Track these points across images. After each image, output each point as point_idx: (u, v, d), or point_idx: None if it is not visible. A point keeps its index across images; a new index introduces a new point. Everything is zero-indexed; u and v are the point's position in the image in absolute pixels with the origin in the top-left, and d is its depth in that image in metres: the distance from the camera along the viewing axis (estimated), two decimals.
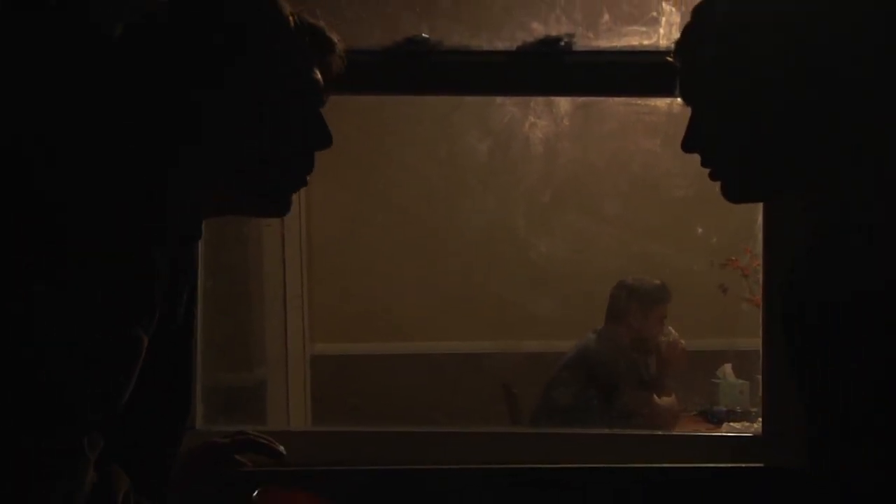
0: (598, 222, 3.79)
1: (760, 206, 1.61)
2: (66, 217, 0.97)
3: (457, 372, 3.71)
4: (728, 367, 3.36)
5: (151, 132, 1.05)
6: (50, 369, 0.94)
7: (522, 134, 3.02)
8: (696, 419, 3.24)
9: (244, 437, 1.43)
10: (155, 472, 1.14)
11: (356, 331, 4.00)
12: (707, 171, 1.21)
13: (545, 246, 3.77)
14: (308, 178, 1.19)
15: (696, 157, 1.20)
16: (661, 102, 2.12)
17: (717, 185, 1.21)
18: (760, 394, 1.67)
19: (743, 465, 1.61)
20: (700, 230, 3.47)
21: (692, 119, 1.21)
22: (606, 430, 1.87)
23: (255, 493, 1.28)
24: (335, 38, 1.18)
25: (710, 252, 3.39)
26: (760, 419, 1.67)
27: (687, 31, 1.20)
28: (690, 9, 1.19)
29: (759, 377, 1.67)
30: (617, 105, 3.03)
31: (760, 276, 1.69)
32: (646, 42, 1.71)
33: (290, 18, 1.13)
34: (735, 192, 1.20)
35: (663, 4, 1.72)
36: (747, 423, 2.55)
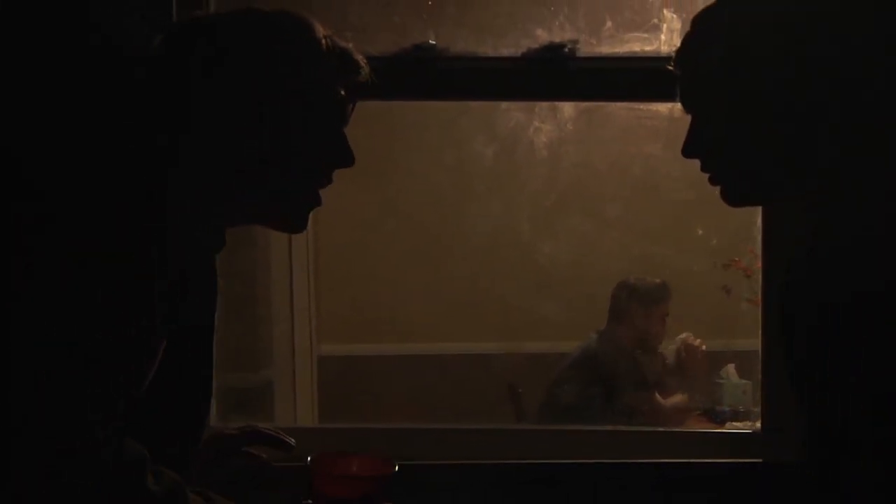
0: (601, 225, 3.78)
1: (760, 207, 1.62)
2: (66, 217, 0.97)
3: (463, 373, 3.69)
4: (731, 368, 3.33)
5: (153, 133, 1.06)
6: (64, 369, 0.94)
7: (527, 138, 3.02)
8: (700, 419, 3.20)
9: (253, 430, 1.42)
10: (176, 468, 1.11)
11: (363, 333, 3.99)
12: (707, 175, 1.22)
13: (549, 248, 3.75)
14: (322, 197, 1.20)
15: (697, 161, 1.20)
16: (662, 107, 2.13)
17: (716, 189, 1.22)
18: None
19: (742, 460, 1.61)
20: (700, 232, 3.46)
21: (692, 125, 1.21)
22: (609, 427, 1.87)
23: (309, 458, 1.26)
24: (362, 60, 1.19)
25: (710, 253, 3.37)
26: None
27: (687, 40, 1.21)
28: (691, 16, 1.20)
29: None
30: (619, 110, 3.02)
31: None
32: (647, 48, 1.72)
33: (324, 42, 1.15)
34: (735, 197, 1.21)
35: (664, 12, 1.74)
36: (750, 423, 2.55)
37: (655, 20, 1.74)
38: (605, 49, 1.72)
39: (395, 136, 3.71)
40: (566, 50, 1.64)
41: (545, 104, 2.51)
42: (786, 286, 1.18)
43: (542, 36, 1.69)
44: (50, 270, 0.96)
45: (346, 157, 1.19)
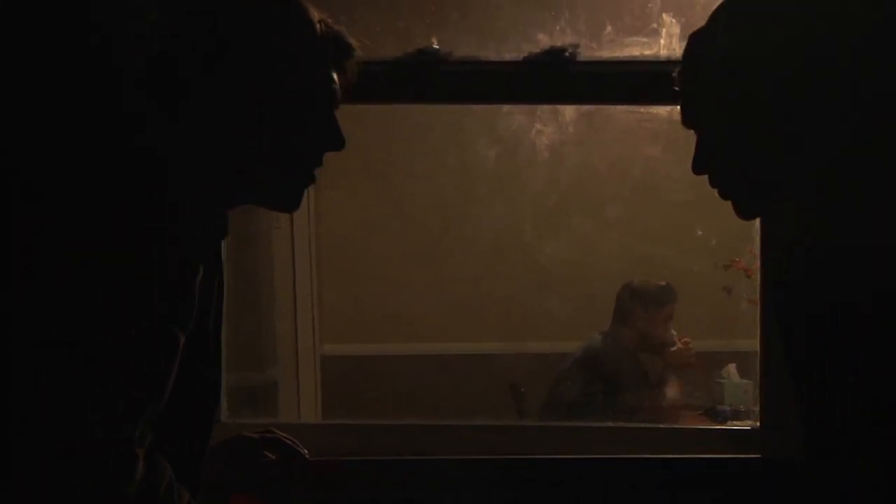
0: (601, 226, 3.79)
1: None
2: (65, 216, 0.98)
3: (465, 373, 3.68)
4: (732, 367, 3.34)
5: (152, 133, 1.06)
6: (64, 369, 0.95)
7: (529, 141, 3.02)
8: (701, 418, 3.21)
9: (273, 436, 1.47)
10: (188, 463, 1.14)
11: (366, 332, 3.99)
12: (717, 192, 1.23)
13: (551, 249, 3.75)
14: (316, 174, 1.21)
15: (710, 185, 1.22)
16: (662, 110, 2.12)
17: (716, 190, 1.24)
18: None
19: (741, 456, 1.62)
20: (700, 232, 3.47)
21: (698, 142, 1.23)
22: (610, 424, 1.89)
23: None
24: (354, 43, 1.20)
25: (709, 253, 3.37)
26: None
27: (686, 59, 1.23)
28: (690, 20, 1.22)
29: None
30: (619, 113, 3.00)
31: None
32: (647, 52, 1.72)
33: (318, 25, 1.15)
34: (746, 211, 1.24)
35: (664, 16, 1.74)
36: (750, 422, 2.56)
37: (655, 25, 1.74)
38: (606, 53, 1.73)
39: (399, 138, 3.72)
40: (567, 54, 1.65)
41: (546, 107, 2.51)
42: (784, 286, 1.18)
43: (544, 40, 1.70)
44: (50, 270, 0.96)
45: (337, 141, 1.20)
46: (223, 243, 1.25)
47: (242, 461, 1.42)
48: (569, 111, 2.66)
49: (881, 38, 1.12)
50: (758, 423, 1.67)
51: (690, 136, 1.26)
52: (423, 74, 1.67)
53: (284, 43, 1.14)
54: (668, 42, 1.72)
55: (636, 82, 1.66)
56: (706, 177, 1.23)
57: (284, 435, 1.49)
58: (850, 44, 1.11)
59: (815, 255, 1.11)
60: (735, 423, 2.96)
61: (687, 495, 1.59)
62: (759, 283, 1.68)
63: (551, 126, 2.78)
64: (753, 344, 1.68)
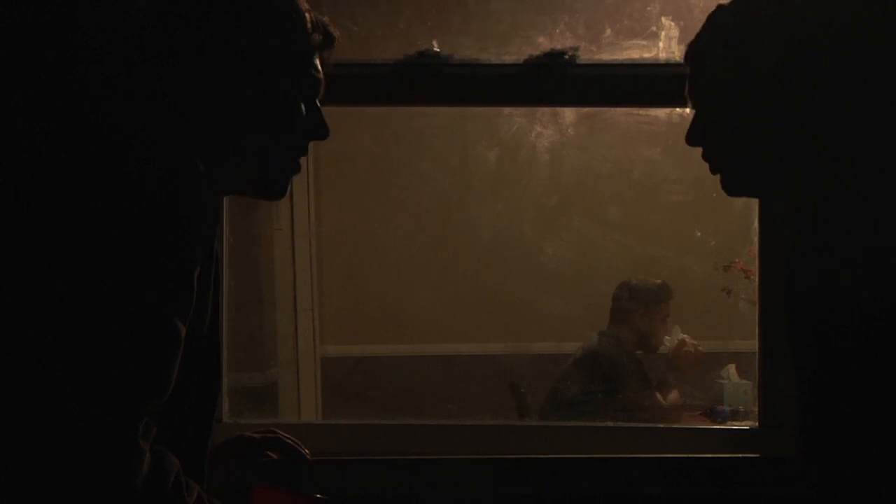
0: (602, 227, 3.79)
1: (757, 209, 1.62)
2: (62, 215, 0.98)
3: (465, 372, 3.68)
4: (732, 368, 3.33)
5: (153, 129, 1.06)
6: (96, 358, 0.95)
7: (529, 143, 3.03)
8: (701, 418, 3.20)
9: (275, 437, 1.49)
10: (191, 457, 1.14)
11: (366, 332, 3.99)
12: (706, 167, 1.24)
13: (552, 250, 3.75)
14: (301, 163, 1.21)
15: (694, 165, 1.24)
16: (661, 112, 2.13)
17: (714, 190, 1.26)
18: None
19: (741, 456, 1.62)
20: (699, 233, 3.48)
21: (696, 116, 1.25)
22: (610, 424, 1.87)
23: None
24: (336, 33, 1.21)
25: (709, 254, 3.37)
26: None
27: (698, 36, 1.25)
28: (689, 24, 1.23)
29: None
30: (619, 115, 3.02)
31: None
32: (646, 55, 1.73)
33: (308, 16, 1.16)
34: (732, 186, 1.24)
35: (663, 20, 1.75)
36: (750, 423, 2.56)
37: (654, 28, 1.75)
38: (605, 56, 1.73)
39: (400, 140, 3.71)
40: (567, 57, 1.66)
41: (547, 109, 2.52)
42: (783, 287, 1.19)
43: (544, 43, 1.70)
44: (50, 265, 0.97)
45: (322, 130, 1.21)
46: (221, 242, 1.26)
47: (244, 460, 1.43)
48: (569, 113, 2.67)
49: (884, 34, 1.13)
50: (757, 424, 1.68)
51: None
52: (424, 77, 1.68)
53: (277, 31, 1.15)
54: (667, 45, 1.72)
55: (635, 85, 1.66)
56: (706, 178, 1.25)
57: (286, 435, 1.51)
58: (858, 36, 1.13)
59: (814, 256, 1.12)
60: (734, 423, 2.96)
61: (687, 495, 1.60)
62: (758, 283, 1.69)
63: (552, 128, 2.79)
64: (753, 344, 1.69)
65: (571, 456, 1.63)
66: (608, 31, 1.78)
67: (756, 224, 1.65)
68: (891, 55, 1.12)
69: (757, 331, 1.67)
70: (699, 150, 1.26)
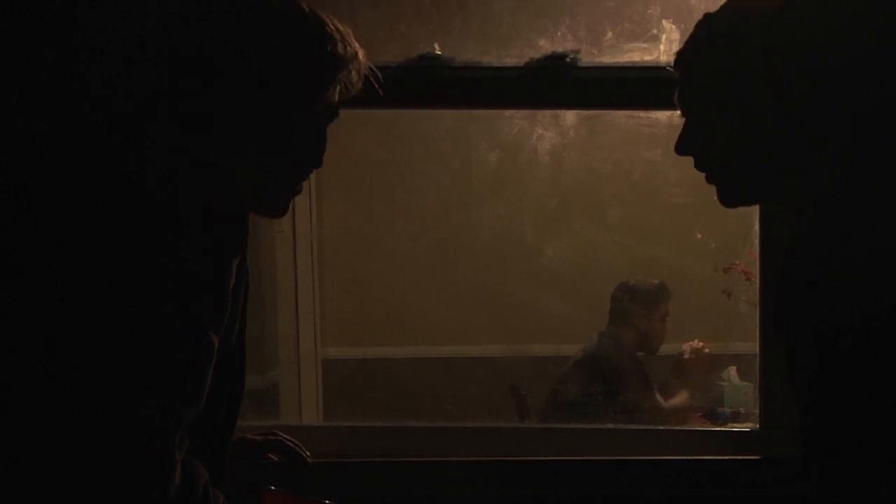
0: (603, 228, 3.79)
1: (758, 211, 1.64)
2: (66, 220, 0.98)
3: (466, 374, 3.68)
4: (733, 370, 3.33)
5: (153, 129, 1.06)
6: (98, 361, 0.95)
7: (530, 145, 3.03)
8: (702, 420, 3.20)
9: (276, 439, 1.49)
10: (212, 467, 1.13)
11: (368, 335, 3.99)
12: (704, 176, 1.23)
13: (553, 251, 3.75)
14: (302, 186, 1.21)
15: (695, 167, 1.23)
16: (662, 114, 2.12)
17: (714, 192, 1.24)
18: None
19: (741, 458, 1.63)
20: (700, 235, 3.48)
21: (685, 125, 1.24)
22: (610, 425, 1.89)
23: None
24: (361, 56, 1.21)
25: (709, 256, 3.37)
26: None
27: (688, 42, 1.24)
28: (690, 26, 1.21)
29: None
30: (619, 117, 3.01)
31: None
32: (647, 58, 1.74)
33: (328, 27, 1.15)
34: (728, 198, 1.23)
35: (664, 22, 1.75)
36: (751, 424, 2.56)
37: (655, 31, 1.76)
38: (606, 59, 1.74)
39: (401, 142, 3.72)
40: (568, 59, 1.67)
41: (548, 112, 2.52)
42: (782, 288, 1.18)
43: (545, 46, 1.71)
44: (91, 280, 0.97)
45: (318, 158, 1.20)
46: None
47: (245, 462, 1.43)
48: (570, 116, 2.67)
49: (883, 34, 1.13)
50: (758, 426, 1.68)
51: None
52: (426, 79, 1.68)
53: (295, 58, 1.14)
54: (667, 48, 1.73)
55: (636, 87, 1.67)
56: (705, 179, 1.24)
57: (287, 437, 1.51)
58: (858, 36, 1.12)
59: (813, 257, 1.11)
60: (735, 425, 2.96)
61: (688, 497, 1.60)
62: (758, 285, 1.69)
63: (552, 130, 2.80)
64: (753, 346, 1.69)
65: (572, 458, 1.63)
66: (609, 34, 1.78)
67: (756, 226, 1.66)
68: (891, 55, 1.12)
69: (757, 333, 1.68)
70: None
